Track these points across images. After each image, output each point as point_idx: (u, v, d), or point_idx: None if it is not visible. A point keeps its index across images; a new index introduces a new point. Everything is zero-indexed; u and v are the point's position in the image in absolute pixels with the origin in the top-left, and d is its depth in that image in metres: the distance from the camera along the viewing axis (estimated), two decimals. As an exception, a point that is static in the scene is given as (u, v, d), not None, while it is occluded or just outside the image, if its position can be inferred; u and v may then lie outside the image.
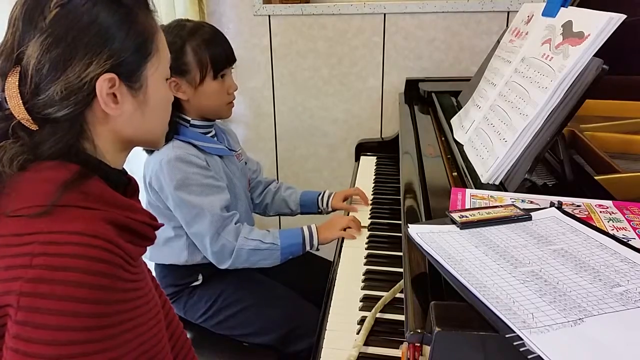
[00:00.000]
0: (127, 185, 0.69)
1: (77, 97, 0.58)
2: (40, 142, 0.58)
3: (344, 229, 1.23)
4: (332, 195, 1.44)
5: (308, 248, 1.22)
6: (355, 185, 1.52)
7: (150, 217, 0.65)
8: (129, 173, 0.71)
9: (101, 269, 0.53)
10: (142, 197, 1.13)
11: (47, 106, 0.57)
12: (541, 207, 0.73)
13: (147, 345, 0.59)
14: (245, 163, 1.39)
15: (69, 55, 0.57)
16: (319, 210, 1.46)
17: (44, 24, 0.56)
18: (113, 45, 0.59)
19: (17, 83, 0.57)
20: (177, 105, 1.19)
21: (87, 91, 0.58)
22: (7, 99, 0.58)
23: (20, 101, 0.57)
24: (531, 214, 0.69)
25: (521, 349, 0.44)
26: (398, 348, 0.85)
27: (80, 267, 0.52)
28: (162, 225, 0.69)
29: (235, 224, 1.19)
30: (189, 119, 1.19)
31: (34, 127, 0.58)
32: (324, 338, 0.90)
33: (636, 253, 0.58)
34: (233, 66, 1.21)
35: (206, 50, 1.14)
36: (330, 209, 1.44)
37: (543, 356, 0.43)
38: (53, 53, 0.56)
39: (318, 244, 1.23)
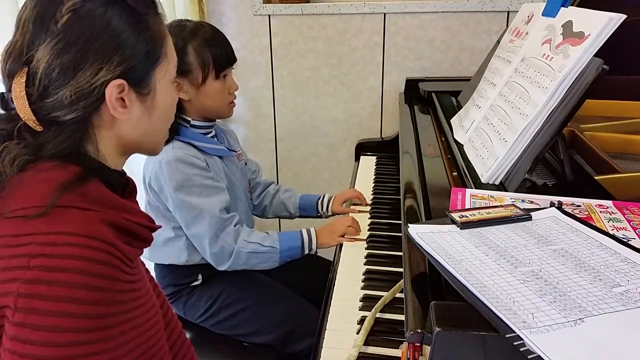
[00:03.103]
0: (125, 187, 0.69)
1: (86, 101, 0.58)
2: (44, 143, 0.58)
3: (343, 235, 1.23)
4: (332, 199, 1.44)
5: (306, 252, 1.22)
6: (355, 186, 1.52)
7: (147, 219, 0.65)
8: (127, 174, 0.71)
9: (99, 270, 0.53)
10: (142, 197, 1.13)
11: (55, 109, 0.57)
12: (541, 207, 0.73)
13: (145, 346, 0.59)
14: (245, 163, 1.39)
15: (79, 60, 0.57)
16: (318, 215, 1.46)
17: (55, 28, 0.56)
18: (124, 52, 0.59)
19: (24, 84, 0.57)
20: (178, 106, 1.18)
21: (97, 96, 0.58)
22: (13, 99, 0.57)
23: (27, 102, 0.57)
24: (531, 214, 0.69)
25: (521, 349, 0.44)
26: (398, 348, 0.85)
27: (78, 268, 0.52)
28: (160, 227, 0.69)
29: (235, 225, 1.19)
30: (189, 119, 1.19)
31: (39, 128, 0.58)
32: (324, 338, 0.90)
33: (636, 253, 0.58)
34: (233, 66, 1.22)
35: (208, 50, 1.14)
36: (330, 213, 1.44)
37: (543, 356, 0.43)
38: (64, 58, 0.56)
39: (317, 248, 1.23)
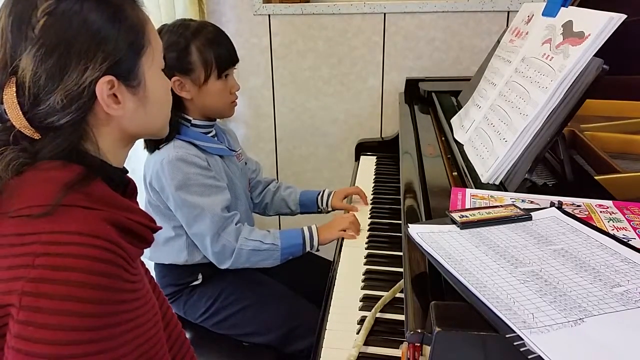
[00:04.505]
0: (126, 185, 0.69)
1: (78, 103, 0.57)
2: (41, 148, 0.58)
3: (344, 230, 1.23)
4: (332, 194, 1.44)
5: (308, 249, 1.23)
6: (356, 185, 1.52)
7: (148, 219, 0.65)
8: (129, 173, 0.70)
9: (103, 269, 0.53)
10: (142, 196, 1.13)
11: (49, 115, 0.57)
12: (541, 207, 0.73)
13: (146, 346, 0.59)
14: (245, 163, 1.39)
15: (64, 63, 0.56)
16: (319, 210, 1.46)
17: (33, 34, 0.55)
18: (106, 47, 0.58)
19: (14, 94, 0.56)
20: (180, 105, 1.19)
21: (88, 96, 0.58)
22: (6, 110, 0.57)
23: (20, 112, 0.57)
24: (531, 214, 0.69)
25: (521, 349, 0.44)
26: (398, 348, 0.85)
27: (82, 267, 0.52)
28: (160, 228, 0.69)
29: (236, 224, 1.19)
30: (190, 118, 1.20)
31: (36, 136, 0.58)
32: (324, 338, 0.90)
33: (636, 253, 0.58)
34: (235, 66, 1.22)
35: (211, 50, 1.14)
36: (329, 208, 1.44)
37: (543, 356, 0.43)
38: (48, 63, 0.55)
39: (318, 245, 1.23)
